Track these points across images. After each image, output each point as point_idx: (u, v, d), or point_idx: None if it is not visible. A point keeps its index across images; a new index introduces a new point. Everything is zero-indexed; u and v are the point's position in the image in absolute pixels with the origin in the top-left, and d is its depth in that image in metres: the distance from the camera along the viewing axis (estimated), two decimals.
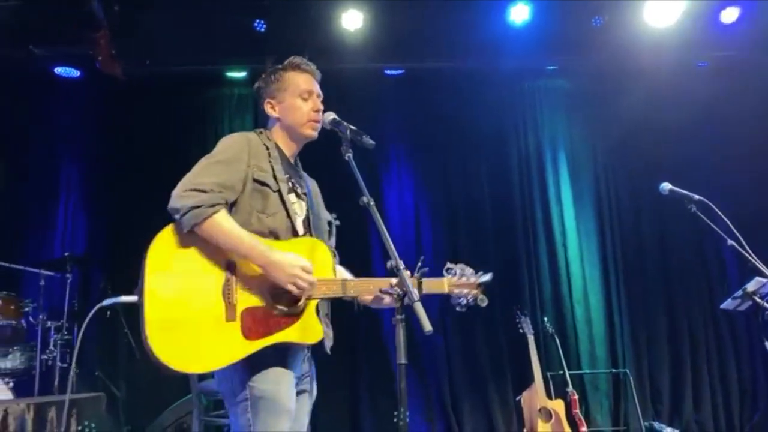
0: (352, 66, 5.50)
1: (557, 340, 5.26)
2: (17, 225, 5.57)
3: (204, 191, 1.90)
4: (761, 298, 3.02)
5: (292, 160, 2.27)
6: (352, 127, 2.11)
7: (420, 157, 5.98)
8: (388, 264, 1.81)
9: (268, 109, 2.25)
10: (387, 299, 2.11)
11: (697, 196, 3.18)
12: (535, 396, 4.68)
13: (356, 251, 5.38)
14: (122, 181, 5.72)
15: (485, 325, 5.63)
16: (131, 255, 5.66)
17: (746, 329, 5.74)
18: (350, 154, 2.07)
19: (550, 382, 5.12)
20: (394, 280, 2.01)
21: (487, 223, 5.87)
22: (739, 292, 3.07)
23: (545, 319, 5.44)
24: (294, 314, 1.95)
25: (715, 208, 3.11)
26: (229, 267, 1.91)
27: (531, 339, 4.90)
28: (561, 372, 5.11)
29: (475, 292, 2.23)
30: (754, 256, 2.96)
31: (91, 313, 1.84)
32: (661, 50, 5.50)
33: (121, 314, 4.88)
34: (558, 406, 4.70)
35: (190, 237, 1.88)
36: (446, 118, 5.96)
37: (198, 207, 1.86)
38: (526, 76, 6.14)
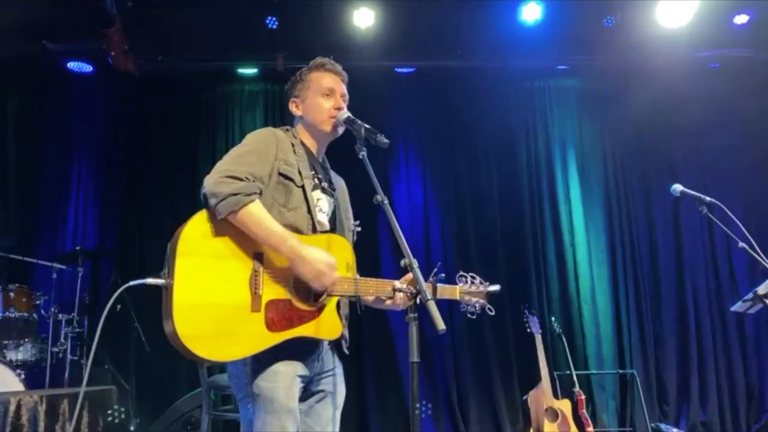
0: (363, 64, 5.49)
1: (564, 339, 5.27)
2: (30, 219, 5.63)
3: (240, 179, 1.91)
4: None
5: (320, 158, 2.30)
6: (367, 126, 2.12)
7: (429, 154, 5.99)
8: (402, 262, 1.82)
9: (292, 108, 2.28)
10: (389, 301, 2.16)
11: (708, 198, 3.16)
12: (542, 396, 4.68)
13: (365, 250, 5.43)
14: (133, 175, 5.78)
15: (493, 323, 5.63)
16: (141, 249, 5.70)
17: (754, 331, 5.73)
18: (364, 153, 2.08)
19: (557, 382, 5.12)
20: (396, 283, 2.13)
21: (496, 221, 5.88)
22: (750, 295, 3.06)
23: (552, 318, 5.45)
24: (315, 309, 1.98)
25: (727, 210, 3.09)
26: (257, 258, 1.92)
27: (538, 338, 4.90)
28: (568, 372, 5.12)
29: (483, 301, 2.34)
30: (765, 258, 2.95)
31: (116, 294, 1.84)
32: (672, 51, 5.48)
33: (131, 308, 4.91)
34: (565, 406, 4.70)
35: (221, 224, 1.89)
36: (456, 117, 5.97)
37: (236, 194, 1.87)
38: (537, 75, 6.13)
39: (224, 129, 5.98)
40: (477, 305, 2.31)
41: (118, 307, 5.00)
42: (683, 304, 5.80)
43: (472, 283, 2.33)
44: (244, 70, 5.92)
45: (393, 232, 1.88)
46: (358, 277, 2.15)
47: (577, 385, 4.98)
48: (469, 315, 2.32)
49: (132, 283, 1.86)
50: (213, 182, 1.89)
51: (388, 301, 2.16)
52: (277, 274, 1.94)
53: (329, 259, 1.94)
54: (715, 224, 5.72)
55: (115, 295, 1.86)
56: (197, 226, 1.86)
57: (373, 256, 5.45)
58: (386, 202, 1.96)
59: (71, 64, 5.81)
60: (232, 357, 1.88)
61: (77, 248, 5.07)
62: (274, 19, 5.25)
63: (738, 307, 3.17)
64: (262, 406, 1.91)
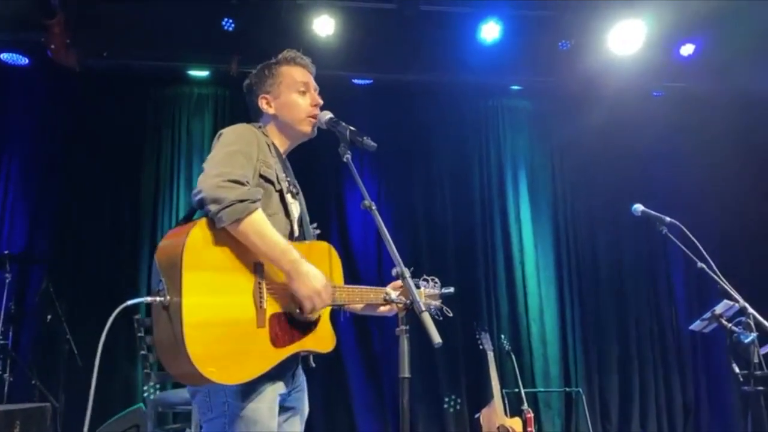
0: (320, 72, 5.37)
1: (513, 357, 5.28)
2: None
3: (242, 183, 1.75)
4: (727, 320, 3.08)
5: (285, 158, 2.16)
6: (352, 128, 2.03)
7: (384, 167, 5.92)
8: (394, 271, 1.73)
9: (263, 105, 2.11)
10: (382, 308, 2.09)
11: (668, 218, 3.22)
12: (494, 414, 4.65)
13: None
14: (69, 175, 5.41)
15: (443, 339, 5.57)
16: (77, 254, 5.31)
17: (691, 352, 5.94)
18: (349, 156, 2.00)
19: (506, 400, 5.12)
20: (388, 289, 2.02)
21: (448, 236, 5.88)
22: (708, 314, 3.14)
23: (502, 336, 5.46)
24: (312, 321, 1.88)
25: (686, 231, 3.16)
26: (257, 268, 1.77)
27: (491, 355, 4.88)
28: (516, 390, 5.12)
29: (438, 303, 2.30)
30: (723, 278, 3.02)
31: (114, 315, 1.62)
32: (620, 77, 5.65)
33: (63, 318, 4.56)
34: (516, 424, 4.69)
35: (222, 233, 1.72)
36: (412, 130, 5.95)
37: (243, 201, 1.70)
38: (492, 93, 6.20)
39: (170, 132, 5.70)
40: (433, 308, 2.25)
41: (48, 317, 4.64)
42: (625, 323, 5.95)
43: (434, 285, 2.30)
44: (195, 71, 5.66)
45: (382, 239, 1.79)
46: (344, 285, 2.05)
47: (525, 403, 4.99)
48: (435, 318, 2.24)
49: (129, 302, 1.65)
50: (213, 186, 1.71)
51: (382, 308, 2.10)
52: (278, 286, 1.81)
53: (326, 280, 1.81)
54: (656, 246, 6.03)
55: (111, 317, 1.62)
56: (199, 235, 1.69)
57: None
58: (374, 207, 1.87)
59: (5, 56, 5.40)
60: (244, 378, 1.70)
61: (5, 252, 4.66)
62: (230, 20, 5.06)
63: (696, 325, 3.24)
64: (242, 428, 1.75)
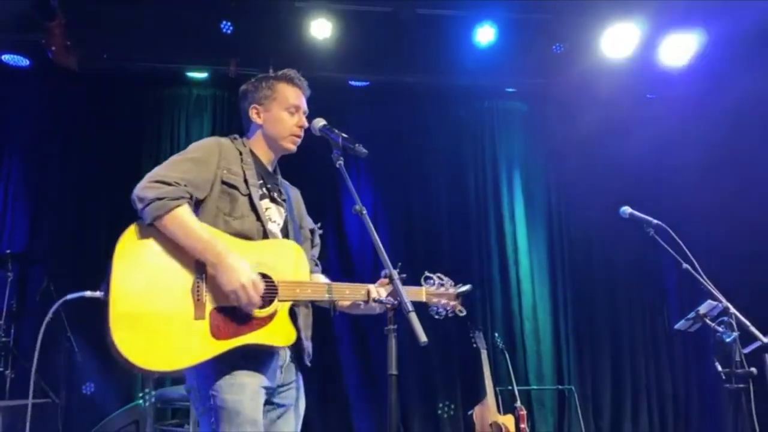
0: (318, 74, 5.46)
1: (507, 355, 5.36)
2: None
3: (169, 184, 1.89)
4: (711, 320, 3.16)
5: (270, 168, 2.27)
6: (344, 135, 2.12)
7: (380, 168, 5.98)
8: (383, 273, 1.81)
9: (252, 114, 2.23)
10: (363, 306, 2.15)
11: (655, 221, 3.29)
12: (487, 411, 4.74)
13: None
14: (69, 177, 5.48)
15: (437, 338, 5.66)
16: (76, 254, 5.38)
17: (682, 351, 6.02)
18: (341, 162, 2.08)
19: (499, 397, 5.20)
20: (371, 287, 2.10)
21: (443, 236, 5.96)
22: (692, 314, 3.21)
23: (496, 334, 5.54)
24: (266, 316, 1.93)
25: (672, 233, 3.23)
26: (199, 264, 1.88)
27: (484, 354, 4.97)
28: (509, 387, 5.20)
29: (453, 303, 2.31)
30: (706, 279, 3.10)
31: (54, 308, 1.80)
32: (614, 80, 5.72)
33: (63, 314, 4.63)
34: (509, 421, 4.78)
35: (158, 232, 1.86)
36: (408, 132, 6.03)
37: (161, 199, 1.84)
38: (487, 95, 6.28)
39: (170, 132, 5.78)
40: (447, 308, 2.25)
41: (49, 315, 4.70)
42: (618, 323, 6.03)
43: (440, 284, 2.28)
44: (194, 73, 5.73)
45: (372, 242, 1.87)
46: (326, 281, 2.13)
47: (518, 401, 5.07)
48: (435, 317, 2.26)
49: (69, 296, 1.85)
50: (140, 187, 1.89)
51: (362, 306, 2.15)
52: None
53: (253, 276, 1.88)
54: (648, 248, 6.09)
55: (53, 309, 1.89)
56: (132, 235, 1.85)
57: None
58: (365, 212, 1.95)
59: (6, 57, 5.47)
60: (174, 367, 1.83)
61: (7, 251, 4.73)
62: (228, 23, 5.13)
63: (681, 325, 3.31)
64: (226, 419, 1.86)
